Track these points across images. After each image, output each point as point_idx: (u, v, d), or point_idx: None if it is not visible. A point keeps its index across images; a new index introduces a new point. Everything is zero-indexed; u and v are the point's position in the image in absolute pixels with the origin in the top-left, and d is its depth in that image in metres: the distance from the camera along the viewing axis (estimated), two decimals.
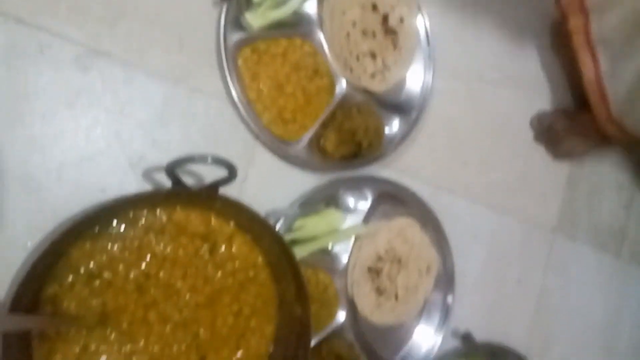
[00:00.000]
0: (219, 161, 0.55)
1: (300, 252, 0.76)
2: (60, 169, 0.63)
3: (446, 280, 0.88)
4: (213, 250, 0.65)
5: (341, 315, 0.80)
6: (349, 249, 0.81)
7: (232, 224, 0.66)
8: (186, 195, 0.61)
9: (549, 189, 1.04)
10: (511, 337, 0.97)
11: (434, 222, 0.88)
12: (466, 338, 0.90)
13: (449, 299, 0.87)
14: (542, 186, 1.03)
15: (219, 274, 0.65)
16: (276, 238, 0.65)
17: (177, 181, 0.58)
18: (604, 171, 1.12)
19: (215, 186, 0.60)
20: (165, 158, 0.61)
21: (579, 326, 1.07)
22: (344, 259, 0.81)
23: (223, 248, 0.66)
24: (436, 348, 0.86)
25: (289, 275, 0.67)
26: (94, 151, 0.65)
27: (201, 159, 0.54)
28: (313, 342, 0.77)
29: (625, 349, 1.14)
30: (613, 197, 1.13)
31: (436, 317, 0.87)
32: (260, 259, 0.68)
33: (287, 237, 0.74)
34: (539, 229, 1.02)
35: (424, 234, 0.87)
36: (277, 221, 0.74)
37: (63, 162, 0.63)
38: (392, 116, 0.85)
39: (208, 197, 0.61)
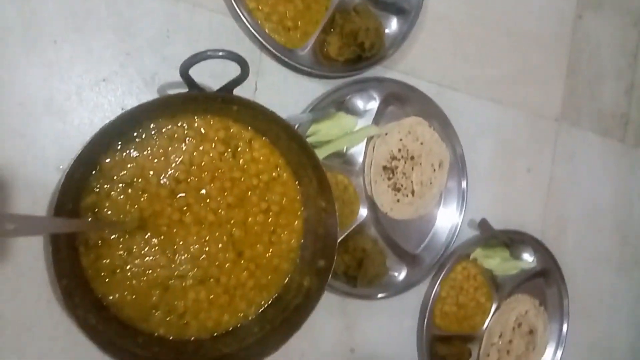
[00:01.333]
0: (230, 55, 0.57)
1: None
2: (79, 92, 0.66)
3: (458, 168, 0.91)
4: (235, 154, 0.68)
5: (363, 213, 0.84)
6: (363, 151, 0.84)
7: (249, 128, 0.69)
8: (203, 100, 0.63)
9: (550, 79, 1.06)
10: (526, 224, 1.01)
11: (441, 118, 0.90)
12: (483, 225, 0.94)
13: (464, 184, 0.91)
14: (543, 77, 1.05)
15: (244, 175, 0.69)
16: (293, 135, 0.68)
17: (192, 84, 0.60)
18: (603, 58, 1.13)
19: (229, 87, 0.62)
20: (176, 73, 0.63)
21: (590, 210, 1.11)
22: (360, 160, 0.84)
23: (245, 152, 0.69)
24: (457, 233, 0.90)
25: (310, 170, 0.70)
26: (109, 72, 0.67)
27: (213, 53, 0.56)
28: (339, 239, 0.81)
29: (637, 228, 1.18)
30: (613, 83, 1.15)
31: (454, 202, 0.91)
32: (281, 160, 0.71)
33: None
34: (543, 118, 1.04)
35: (433, 130, 0.90)
36: None
37: (81, 85, 0.66)
38: (390, 16, 0.86)
39: (224, 100, 0.64)
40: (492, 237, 0.96)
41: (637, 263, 1.20)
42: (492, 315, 0.97)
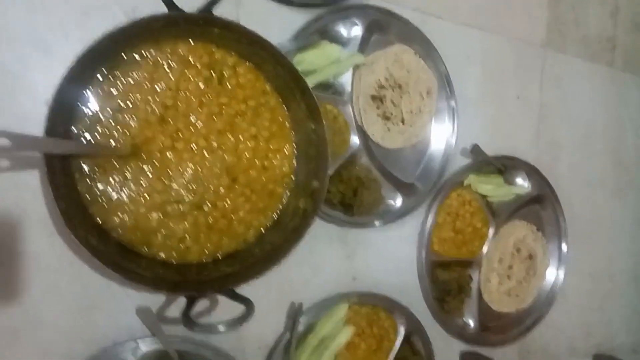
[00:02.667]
0: None
1: None
2: (62, 26, 0.66)
3: (447, 95, 0.92)
4: (221, 79, 0.69)
5: (354, 142, 0.85)
6: (350, 80, 0.85)
7: (233, 53, 0.69)
8: (184, 22, 0.64)
9: (534, 5, 1.06)
10: (519, 151, 1.02)
11: (426, 45, 0.90)
12: (475, 151, 0.94)
13: (454, 110, 0.92)
14: (527, 3, 1.05)
15: (232, 101, 0.69)
16: (278, 58, 0.68)
17: (170, 4, 0.61)
18: None
19: (209, 7, 0.63)
20: (156, 6, 0.63)
21: (583, 135, 1.12)
22: (348, 90, 0.85)
23: (230, 77, 0.69)
24: (450, 159, 0.91)
25: (297, 94, 0.70)
26: (89, 5, 0.67)
27: None
28: (332, 170, 0.82)
29: (630, 152, 1.19)
30: (598, 7, 1.15)
31: (445, 129, 0.92)
32: (267, 86, 0.72)
33: None
34: (529, 45, 1.05)
35: (419, 58, 0.90)
36: None
37: (63, 20, 0.66)
38: None
39: (205, 21, 0.64)
40: (485, 163, 0.97)
41: (632, 187, 1.21)
42: (490, 241, 0.98)
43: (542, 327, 1.06)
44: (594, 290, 1.15)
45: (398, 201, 0.90)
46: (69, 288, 0.67)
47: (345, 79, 0.85)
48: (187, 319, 0.58)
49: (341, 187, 0.84)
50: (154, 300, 0.71)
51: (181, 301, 0.65)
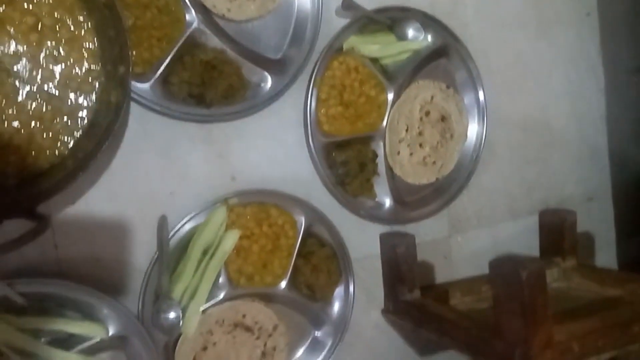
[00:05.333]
0: None
1: None
2: None
3: None
4: None
5: (192, 19, 0.72)
6: None
7: None
8: None
9: None
10: (411, 0, 0.88)
11: None
12: (347, 5, 0.80)
13: None
14: None
15: None
16: None
17: None
18: None
19: None
20: None
21: None
22: None
23: None
24: (320, 21, 0.78)
25: None
26: None
27: None
28: (170, 57, 0.70)
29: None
30: None
31: None
32: None
33: None
34: None
35: None
36: None
37: None
38: None
39: None
40: (365, 19, 0.83)
41: (560, 22, 1.07)
42: (392, 109, 0.86)
43: (472, 192, 0.96)
44: (528, 142, 1.04)
45: (267, 82, 0.77)
46: None
47: None
48: None
49: (185, 76, 0.71)
50: None
51: None
